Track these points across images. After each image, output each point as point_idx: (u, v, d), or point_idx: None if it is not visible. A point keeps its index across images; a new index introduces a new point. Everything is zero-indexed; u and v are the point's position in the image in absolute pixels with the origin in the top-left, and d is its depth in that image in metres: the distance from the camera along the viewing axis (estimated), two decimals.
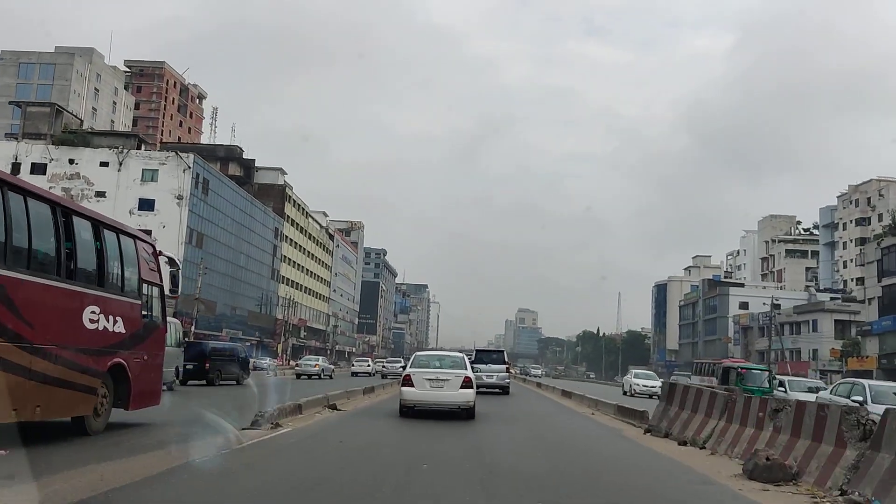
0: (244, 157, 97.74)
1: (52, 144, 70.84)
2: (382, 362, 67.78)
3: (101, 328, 10.21)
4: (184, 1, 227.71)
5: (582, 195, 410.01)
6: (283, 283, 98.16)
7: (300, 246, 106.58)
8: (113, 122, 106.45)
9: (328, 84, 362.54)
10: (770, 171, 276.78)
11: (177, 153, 70.74)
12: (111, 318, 10.48)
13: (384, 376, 47.76)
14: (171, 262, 14.29)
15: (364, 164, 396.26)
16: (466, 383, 15.50)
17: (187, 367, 27.89)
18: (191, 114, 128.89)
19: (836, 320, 69.15)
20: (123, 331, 10.81)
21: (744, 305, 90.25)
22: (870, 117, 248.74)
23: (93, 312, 10.00)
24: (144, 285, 11.91)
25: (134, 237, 11.97)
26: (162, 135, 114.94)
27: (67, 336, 9.47)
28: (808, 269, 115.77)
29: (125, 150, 69.54)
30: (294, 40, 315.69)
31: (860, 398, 15.03)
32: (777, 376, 33.32)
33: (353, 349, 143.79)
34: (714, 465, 9.60)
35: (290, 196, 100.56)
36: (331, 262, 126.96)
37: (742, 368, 30.38)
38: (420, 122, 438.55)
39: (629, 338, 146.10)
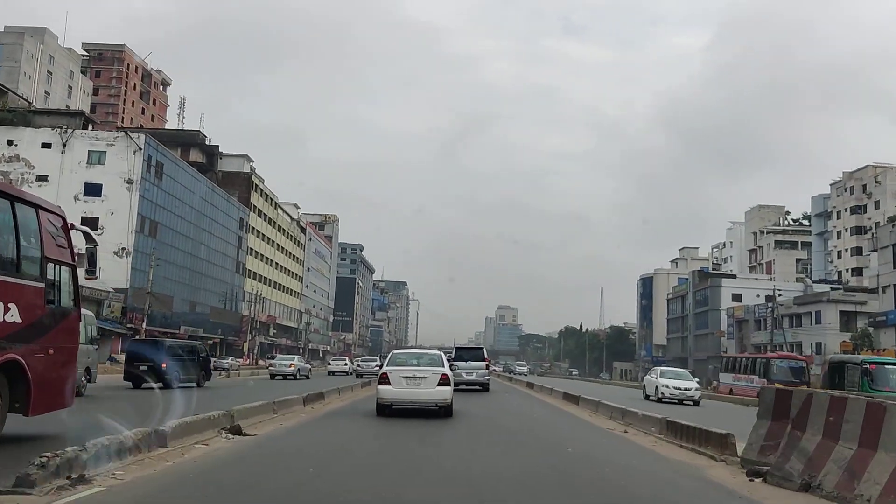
0: (207, 143, 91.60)
1: None
2: (357, 361, 63.96)
3: None
4: None
5: (563, 192, 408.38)
6: (249, 277, 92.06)
7: (268, 238, 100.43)
8: (69, 107, 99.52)
9: (306, 80, 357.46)
10: (749, 167, 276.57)
11: (126, 133, 64.59)
12: (2, 304, 8.91)
13: (359, 376, 45.37)
14: (86, 237, 12.36)
15: (343, 162, 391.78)
16: (444, 380, 15.35)
17: (141, 367, 25.95)
18: (154, 101, 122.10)
19: (840, 311, 64.55)
20: (19, 320, 9.25)
21: (737, 298, 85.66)
22: (848, 113, 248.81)
23: None
24: (49, 265, 10.19)
25: (36, 206, 10.12)
26: (123, 122, 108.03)
27: None
28: (798, 260, 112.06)
29: (69, 130, 63.25)
30: (271, 36, 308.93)
31: None
32: None
33: (328, 348, 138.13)
34: None
35: (256, 185, 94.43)
36: (303, 257, 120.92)
37: (870, 364, 22.66)
38: (401, 119, 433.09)
39: (613, 333, 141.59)
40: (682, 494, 7.74)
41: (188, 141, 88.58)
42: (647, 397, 30.42)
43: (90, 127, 67.08)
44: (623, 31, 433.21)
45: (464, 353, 30.83)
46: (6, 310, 8.98)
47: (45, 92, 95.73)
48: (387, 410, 15.57)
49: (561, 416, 18.52)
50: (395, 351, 18.95)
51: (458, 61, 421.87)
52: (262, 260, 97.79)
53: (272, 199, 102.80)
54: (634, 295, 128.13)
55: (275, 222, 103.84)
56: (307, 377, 43.17)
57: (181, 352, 28.38)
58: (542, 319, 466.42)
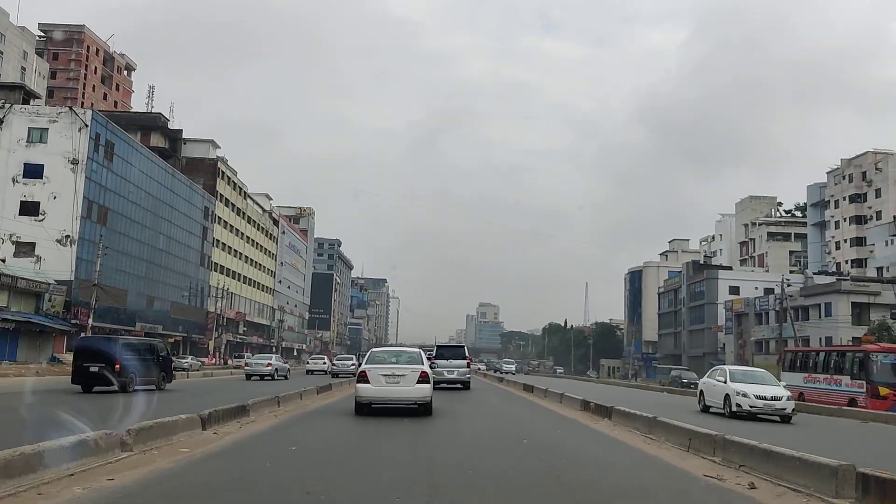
0: (170, 127, 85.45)
1: None
2: (324, 359, 59.54)
3: None
4: None
5: (541, 188, 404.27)
6: (215, 270, 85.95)
7: (237, 230, 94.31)
8: None
9: (281, 76, 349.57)
10: (725, 161, 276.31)
11: (71, 109, 58.39)
12: None
13: (334, 375, 43.53)
14: None
15: (319, 157, 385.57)
16: (423, 378, 15.26)
17: (92, 368, 23.08)
18: (117, 86, 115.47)
19: (853, 303, 59.84)
20: None
21: (734, 290, 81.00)
22: (823, 109, 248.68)
23: None
24: None
25: None
26: (82, 107, 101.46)
27: None
28: (791, 252, 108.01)
29: (7, 105, 56.97)
30: (244, 29, 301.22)
31: None
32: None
33: (304, 346, 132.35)
34: None
35: (223, 172, 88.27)
36: (276, 250, 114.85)
37: None
38: (378, 114, 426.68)
39: (600, 330, 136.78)
40: None
41: (148, 124, 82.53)
42: (705, 409, 21.79)
43: (30, 102, 60.81)
44: (599, 27, 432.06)
45: (445, 352, 30.93)
46: None
47: None
48: (365, 409, 15.48)
49: (615, 451, 11.51)
50: (374, 349, 18.59)
51: (435, 57, 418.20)
52: (229, 252, 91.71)
53: (241, 189, 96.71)
54: (615, 291, 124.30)
55: (244, 213, 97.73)
56: (286, 377, 41.06)
57: (139, 350, 25.56)
58: (524, 317, 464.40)
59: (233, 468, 8.64)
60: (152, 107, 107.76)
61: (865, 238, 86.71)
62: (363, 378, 15.26)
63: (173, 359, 34.12)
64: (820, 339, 60.99)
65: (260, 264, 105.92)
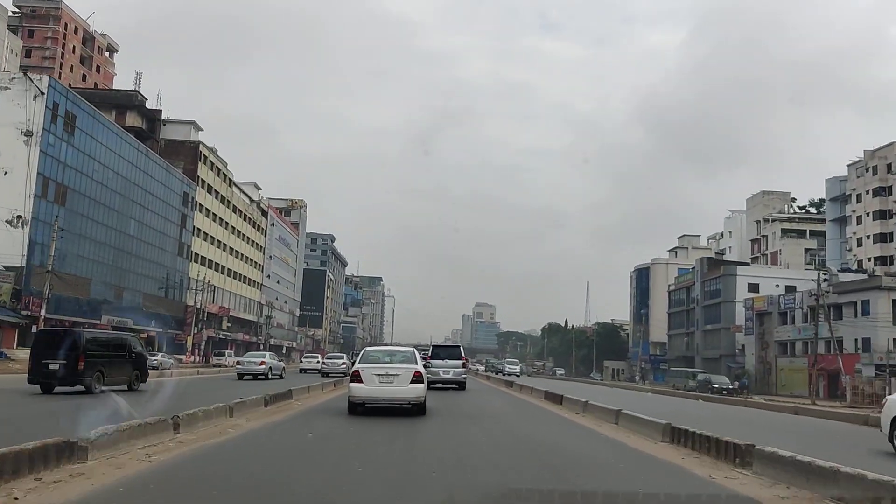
0: (148, 107, 79.52)
1: None
2: (318, 357, 57.60)
3: None
4: None
5: (539, 188, 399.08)
6: (195, 261, 79.87)
7: (220, 219, 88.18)
8: None
9: (277, 72, 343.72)
10: (724, 161, 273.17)
11: (25, 74, 52.36)
12: None
13: (324, 374, 42.01)
14: None
15: (316, 155, 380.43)
16: (417, 378, 15.03)
17: (51, 366, 20.88)
18: (97, 67, 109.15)
19: (893, 300, 54.08)
20: None
21: (753, 288, 75.14)
22: (822, 109, 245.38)
23: None
24: None
25: None
26: None
27: None
28: (807, 250, 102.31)
29: None
30: (242, 26, 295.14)
31: None
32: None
33: (294, 344, 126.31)
34: None
35: (205, 156, 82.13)
36: (264, 243, 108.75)
37: None
38: (375, 112, 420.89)
39: (603, 330, 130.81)
40: None
41: (124, 102, 76.60)
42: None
43: None
44: (599, 28, 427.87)
45: (441, 352, 30.73)
46: None
47: None
48: (359, 409, 15.29)
49: None
50: (368, 348, 18.59)
51: (433, 56, 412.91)
52: (212, 243, 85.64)
53: (226, 175, 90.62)
54: (614, 291, 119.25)
55: (229, 201, 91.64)
56: (280, 376, 38.95)
57: (107, 345, 23.23)
58: (520, 317, 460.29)
59: None
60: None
61: (892, 234, 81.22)
62: (356, 377, 15.00)
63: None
64: (855, 340, 55.40)
65: (246, 257, 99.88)
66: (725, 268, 79.52)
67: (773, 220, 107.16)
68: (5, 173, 49.29)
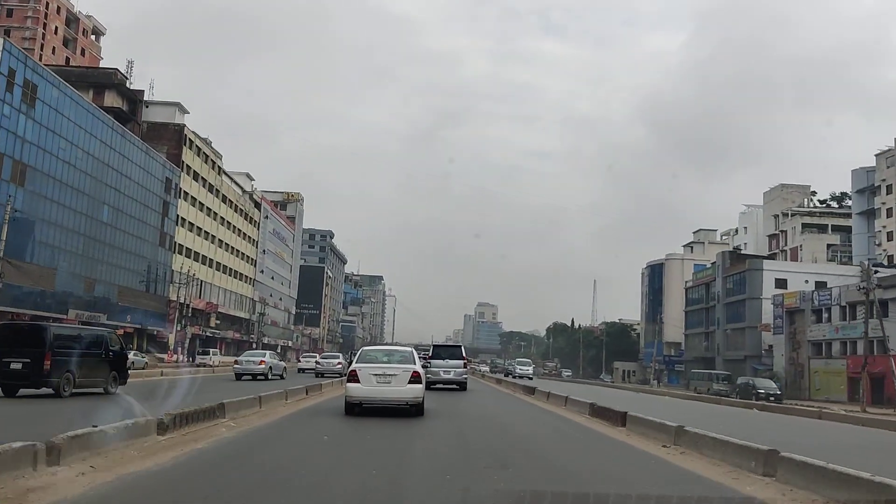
0: (129, 87, 74.05)
1: None
2: (316, 358, 53.78)
3: None
4: None
5: (541, 188, 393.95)
6: (179, 253, 74.34)
7: (208, 208, 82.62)
8: None
9: (278, 70, 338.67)
10: (723, 161, 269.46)
11: None
12: None
13: (319, 375, 40.63)
14: None
15: (316, 154, 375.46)
16: (415, 378, 14.87)
17: (13, 365, 18.41)
18: (83, 50, 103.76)
19: None
20: None
21: (780, 284, 69.51)
22: (826, 109, 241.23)
23: None
24: None
25: None
26: None
27: None
28: (829, 245, 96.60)
29: None
30: (244, 24, 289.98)
31: None
32: None
33: (290, 342, 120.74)
34: None
35: (190, 140, 76.53)
36: (257, 236, 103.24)
37: None
38: (376, 113, 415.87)
39: (612, 330, 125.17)
40: None
41: (102, 81, 71.16)
42: None
43: None
44: (599, 29, 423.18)
45: (442, 352, 30.73)
46: None
47: None
48: (356, 409, 15.12)
49: None
50: (365, 347, 18.59)
51: (434, 56, 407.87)
52: (198, 234, 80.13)
53: (214, 162, 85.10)
54: (617, 291, 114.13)
55: (218, 190, 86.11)
56: (281, 377, 37.62)
57: (80, 342, 20.59)
58: (523, 317, 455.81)
59: None
60: (131, 83, 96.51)
61: None
62: (353, 377, 14.89)
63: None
64: None
65: (237, 250, 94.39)
66: (750, 262, 73.85)
67: (793, 215, 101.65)
68: None
